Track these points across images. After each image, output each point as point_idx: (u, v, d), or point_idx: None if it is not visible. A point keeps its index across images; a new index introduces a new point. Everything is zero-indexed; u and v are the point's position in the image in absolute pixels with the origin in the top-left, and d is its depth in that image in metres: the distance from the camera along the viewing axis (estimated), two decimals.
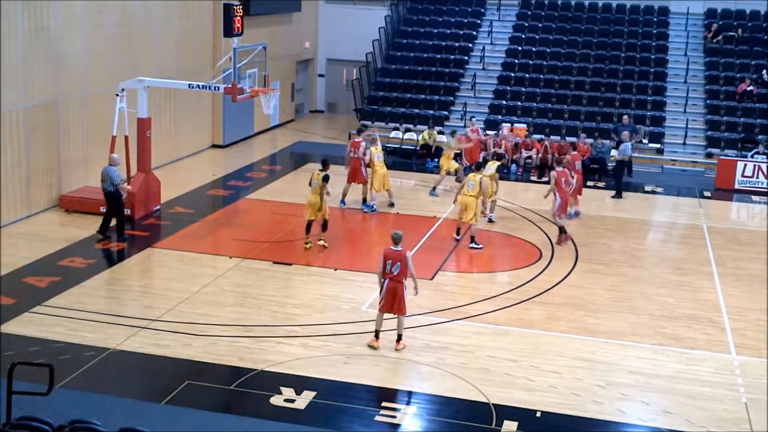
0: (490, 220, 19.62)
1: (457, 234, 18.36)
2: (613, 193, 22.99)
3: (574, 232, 19.22)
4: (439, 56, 31.18)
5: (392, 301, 12.68)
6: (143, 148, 19.20)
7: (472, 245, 17.87)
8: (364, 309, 14.35)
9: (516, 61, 30.72)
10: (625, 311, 14.84)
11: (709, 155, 26.50)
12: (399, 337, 12.90)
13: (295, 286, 15.47)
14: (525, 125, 27.19)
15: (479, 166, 18.97)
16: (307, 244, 17.37)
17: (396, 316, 12.81)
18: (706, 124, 27.72)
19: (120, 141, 18.92)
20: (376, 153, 20.59)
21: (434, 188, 22.29)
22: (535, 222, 20.00)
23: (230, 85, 18.30)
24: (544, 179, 23.95)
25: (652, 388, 12.00)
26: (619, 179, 23.16)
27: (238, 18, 18.34)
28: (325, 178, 17.11)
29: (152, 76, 20.65)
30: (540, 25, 32.16)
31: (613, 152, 24.89)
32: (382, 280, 12.71)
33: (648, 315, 14.71)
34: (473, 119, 26.23)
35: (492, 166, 19.49)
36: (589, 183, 24.12)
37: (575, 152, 21.61)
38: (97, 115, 20.34)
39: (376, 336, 12.93)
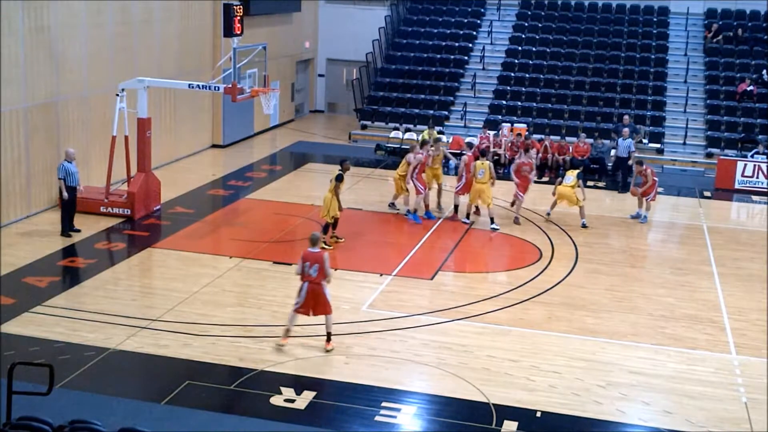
0: (584, 226, 19.58)
1: (467, 217, 19.65)
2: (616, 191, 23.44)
3: (578, 233, 19.23)
4: (439, 56, 31.18)
5: (314, 304, 12.52)
6: (143, 148, 19.19)
7: (492, 226, 19.18)
8: (364, 309, 14.36)
9: (516, 61, 30.72)
10: (625, 311, 14.83)
11: (709, 155, 26.51)
12: (328, 336, 12.74)
13: (295, 286, 15.28)
14: (525, 125, 27.19)
15: (484, 153, 20.24)
16: (332, 239, 17.61)
17: (325, 316, 12.66)
18: (706, 124, 27.72)
19: (120, 141, 18.97)
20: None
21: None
22: (535, 222, 20.00)
23: (230, 85, 18.31)
24: (544, 179, 23.99)
25: (652, 388, 11.99)
26: (623, 174, 23.69)
27: (238, 18, 18.36)
28: (338, 178, 17.29)
29: (152, 76, 20.65)
30: (540, 25, 32.17)
31: (612, 151, 24.97)
32: (301, 282, 12.59)
33: (648, 315, 14.71)
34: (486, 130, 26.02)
35: (572, 176, 20.01)
36: (590, 183, 24.13)
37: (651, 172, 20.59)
38: (97, 115, 20.35)
39: (286, 334, 12.73)
